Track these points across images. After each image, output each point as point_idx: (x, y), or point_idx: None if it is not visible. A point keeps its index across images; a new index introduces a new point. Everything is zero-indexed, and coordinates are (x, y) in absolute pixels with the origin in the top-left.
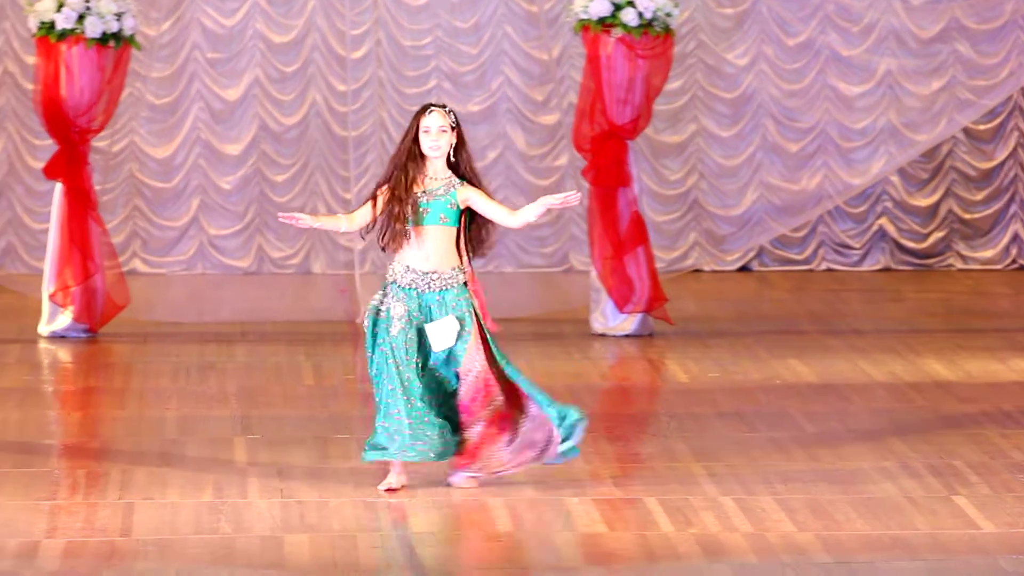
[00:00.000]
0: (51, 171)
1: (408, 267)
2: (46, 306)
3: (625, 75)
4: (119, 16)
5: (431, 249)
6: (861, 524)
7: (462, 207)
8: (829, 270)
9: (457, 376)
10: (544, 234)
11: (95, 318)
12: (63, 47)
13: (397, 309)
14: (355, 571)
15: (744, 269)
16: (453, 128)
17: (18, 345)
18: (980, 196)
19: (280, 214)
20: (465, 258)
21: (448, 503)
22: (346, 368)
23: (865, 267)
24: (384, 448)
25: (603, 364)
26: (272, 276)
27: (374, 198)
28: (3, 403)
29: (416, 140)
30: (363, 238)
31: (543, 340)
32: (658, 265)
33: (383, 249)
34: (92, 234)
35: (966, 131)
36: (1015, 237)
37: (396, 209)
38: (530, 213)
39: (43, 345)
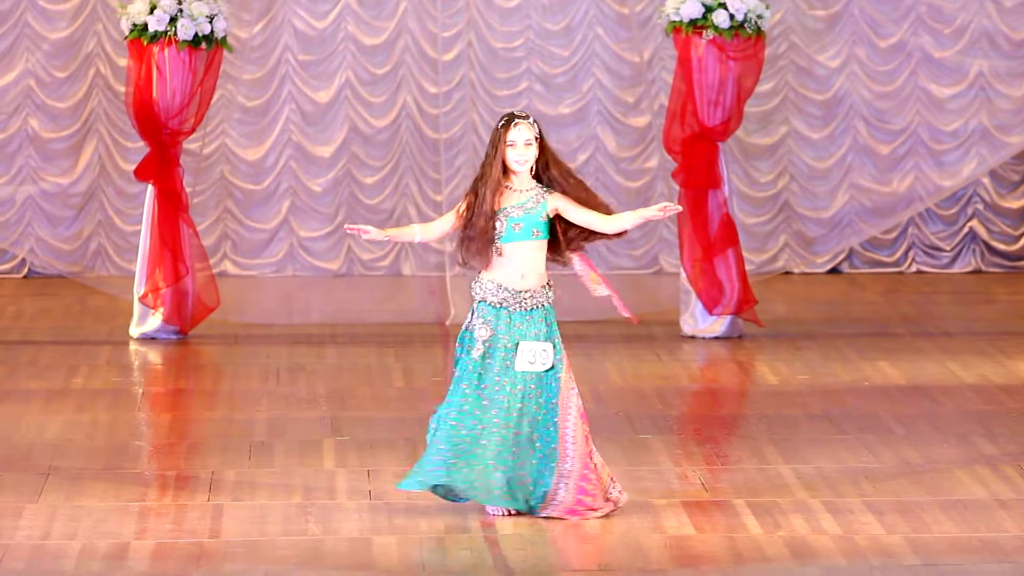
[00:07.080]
0: (142, 173)
1: (500, 285)
2: (137, 308)
3: (716, 77)
4: (211, 18)
5: (525, 266)
6: (950, 526)
7: (552, 216)
8: (919, 272)
9: (552, 411)
10: (633, 236)
11: (185, 320)
12: (155, 49)
13: (482, 332)
14: (443, 572)
15: (834, 271)
16: (538, 139)
17: (108, 347)
18: None
19: (347, 226)
20: (568, 256)
21: None
22: (435, 370)
23: (956, 269)
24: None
25: (692, 366)
26: (362, 278)
27: (459, 209)
28: (93, 405)
29: (501, 152)
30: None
31: (633, 342)
32: (748, 267)
33: (463, 265)
34: (183, 236)
35: None
36: None
37: (484, 225)
38: (627, 222)
39: (133, 347)
